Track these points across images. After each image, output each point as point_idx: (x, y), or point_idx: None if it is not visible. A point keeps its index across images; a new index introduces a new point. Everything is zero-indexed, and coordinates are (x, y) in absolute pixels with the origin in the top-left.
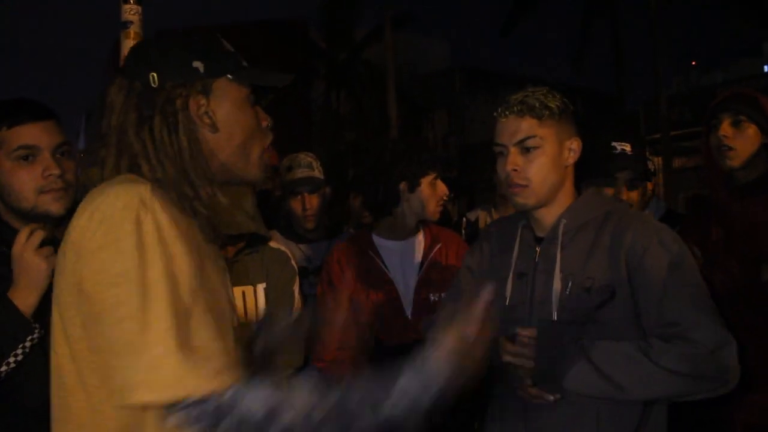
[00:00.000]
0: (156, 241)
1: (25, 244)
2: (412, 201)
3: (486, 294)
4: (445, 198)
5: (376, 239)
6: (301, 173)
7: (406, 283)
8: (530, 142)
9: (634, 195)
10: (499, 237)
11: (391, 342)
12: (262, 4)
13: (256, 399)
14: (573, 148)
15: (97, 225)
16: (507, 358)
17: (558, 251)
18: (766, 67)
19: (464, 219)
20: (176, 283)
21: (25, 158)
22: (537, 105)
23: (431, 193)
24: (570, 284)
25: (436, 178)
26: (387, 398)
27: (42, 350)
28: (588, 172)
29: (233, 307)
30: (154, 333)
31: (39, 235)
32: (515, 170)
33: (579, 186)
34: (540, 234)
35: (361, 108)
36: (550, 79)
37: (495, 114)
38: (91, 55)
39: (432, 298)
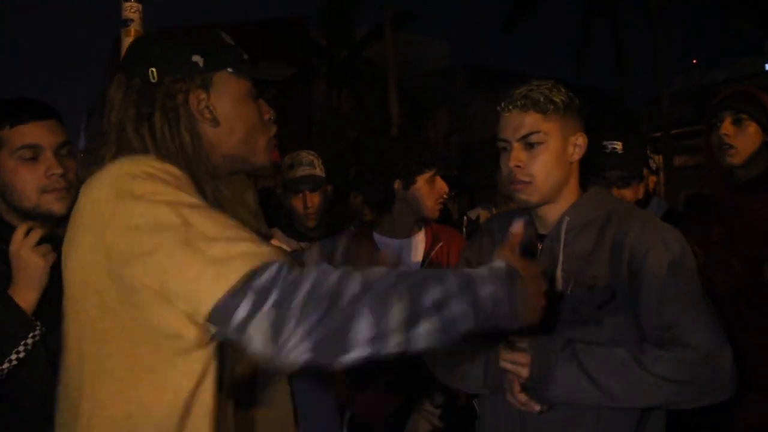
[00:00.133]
0: (172, 178)
1: (22, 242)
2: (409, 199)
3: (516, 227)
4: (444, 195)
5: (377, 237)
6: (302, 171)
7: None
8: (534, 138)
9: (626, 193)
10: (500, 231)
11: None
12: (263, 2)
13: (329, 269)
14: (578, 143)
15: (108, 189)
16: (505, 365)
17: (560, 249)
18: (767, 65)
19: (465, 217)
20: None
21: (28, 158)
22: (541, 99)
23: (429, 190)
24: (571, 283)
25: (434, 176)
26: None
27: (43, 348)
28: (581, 171)
29: None
30: (208, 242)
31: (36, 233)
32: (518, 166)
33: (584, 183)
34: (542, 231)
35: (362, 106)
36: (550, 78)
37: (498, 108)
38: (92, 54)
39: None
